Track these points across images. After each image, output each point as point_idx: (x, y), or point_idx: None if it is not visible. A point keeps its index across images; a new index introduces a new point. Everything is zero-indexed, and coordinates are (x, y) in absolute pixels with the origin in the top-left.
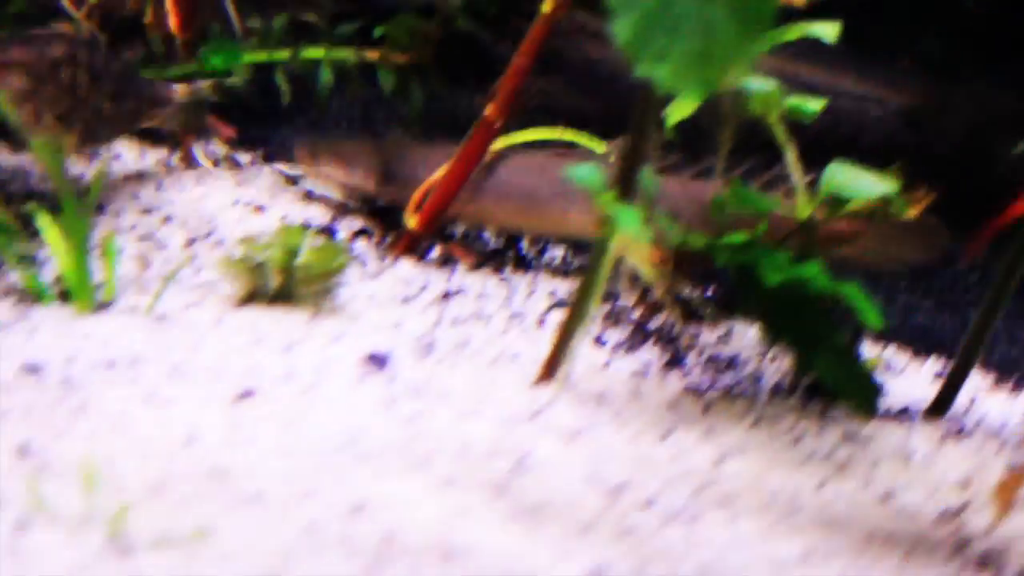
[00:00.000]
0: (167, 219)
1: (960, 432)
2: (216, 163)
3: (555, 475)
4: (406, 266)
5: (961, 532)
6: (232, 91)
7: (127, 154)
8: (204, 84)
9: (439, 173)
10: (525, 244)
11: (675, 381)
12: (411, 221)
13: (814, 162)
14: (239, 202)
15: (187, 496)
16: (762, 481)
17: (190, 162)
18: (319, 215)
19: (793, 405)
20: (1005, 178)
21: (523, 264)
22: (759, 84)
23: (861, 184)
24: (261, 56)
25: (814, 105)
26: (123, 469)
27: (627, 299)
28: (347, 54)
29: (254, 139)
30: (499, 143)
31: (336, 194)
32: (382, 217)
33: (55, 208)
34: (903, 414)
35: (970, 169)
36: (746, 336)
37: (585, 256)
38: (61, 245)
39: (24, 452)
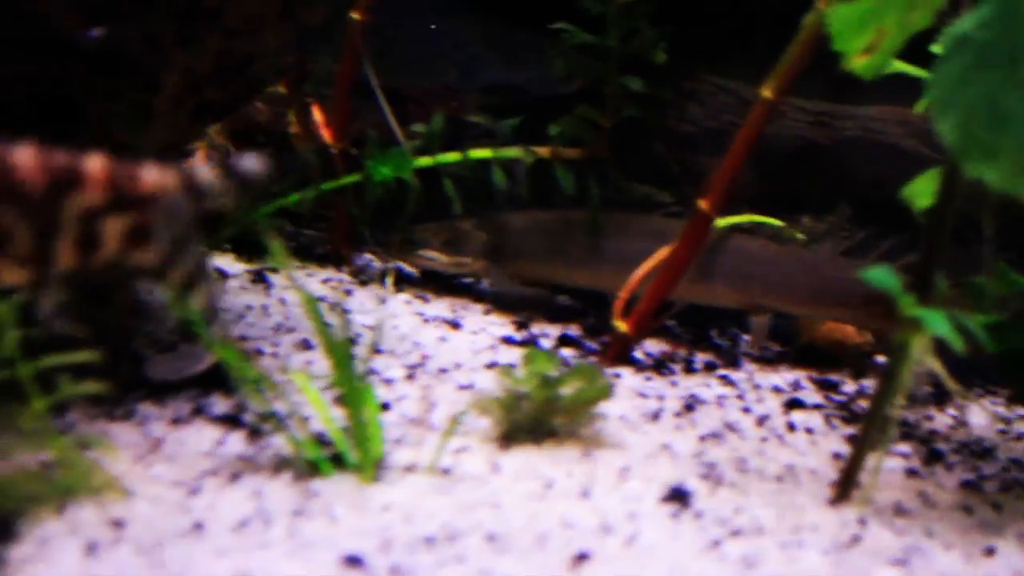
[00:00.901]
0: (375, 349)
1: None
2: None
3: None
4: (628, 376)
5: None
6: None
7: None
8: None
9: (643, 269)
10: (715, 332)
11: (946, 478)
12: (620, 325)
13: None
14: (428, 319)
15: None
16: None
17: (358, 277)
18: (503, 323)
19: None
20: None
21: (719, 352)
22: None
23: None
24: (427, 161)
25: None
26: None
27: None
28: (517, 153)
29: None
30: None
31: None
32: (564, 318)
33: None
34: None
35: None
36: (974, 415)
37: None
38: (321, 403)
39: None
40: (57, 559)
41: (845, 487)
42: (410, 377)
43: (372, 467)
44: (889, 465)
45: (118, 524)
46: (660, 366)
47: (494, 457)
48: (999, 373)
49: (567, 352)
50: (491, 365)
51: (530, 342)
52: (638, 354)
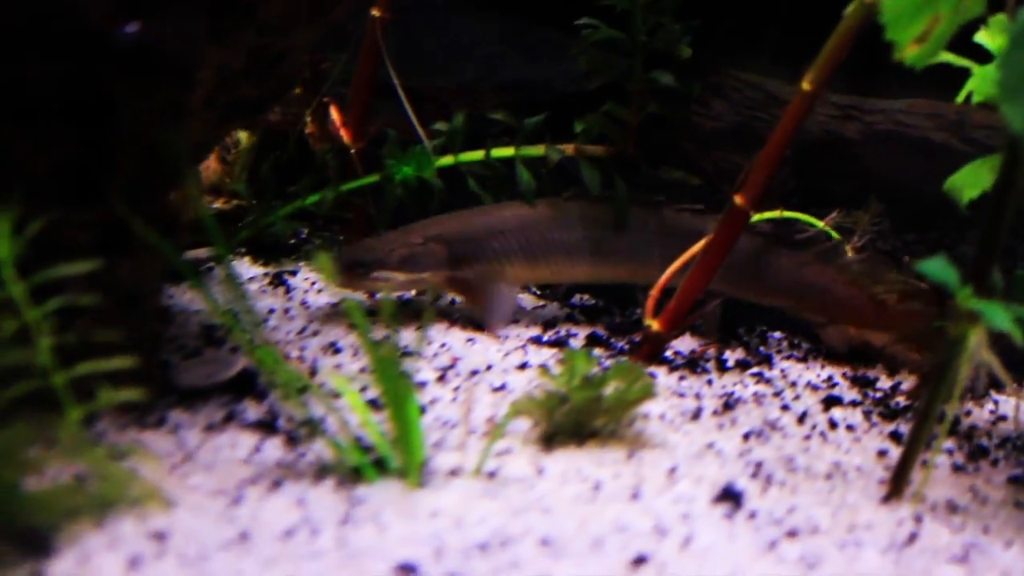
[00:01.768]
0: (403, 349)
1: None
2: None
3: None
4: (662, 375)
5: None
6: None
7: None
8: None
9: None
10: (743, 329)
11: (993, 473)
12: (652, 323)
13: None
14: (454, 320)
15: None
16: None
17: None
18: (530, 322)
19: None
20: None
21: (749, 349)
22: None
23: None
24: (448, 160)
25: None
26: None
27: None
28: (539, 151)
29: None
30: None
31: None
32: (589, 317)
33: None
34: None
35: None
36: (1010, 407)
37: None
38: (363, 407)
39: None
40: (99, 574)
41: (897, 484)
42: (442, 379)
43: (417, 472)
44: (938, 460)
45: (160, 536)
46: (693, 365)
47: (538, 459)
48: None
49: (597, 352)
50: (522, 366)
51: (559, 342)
52: (668, 352)
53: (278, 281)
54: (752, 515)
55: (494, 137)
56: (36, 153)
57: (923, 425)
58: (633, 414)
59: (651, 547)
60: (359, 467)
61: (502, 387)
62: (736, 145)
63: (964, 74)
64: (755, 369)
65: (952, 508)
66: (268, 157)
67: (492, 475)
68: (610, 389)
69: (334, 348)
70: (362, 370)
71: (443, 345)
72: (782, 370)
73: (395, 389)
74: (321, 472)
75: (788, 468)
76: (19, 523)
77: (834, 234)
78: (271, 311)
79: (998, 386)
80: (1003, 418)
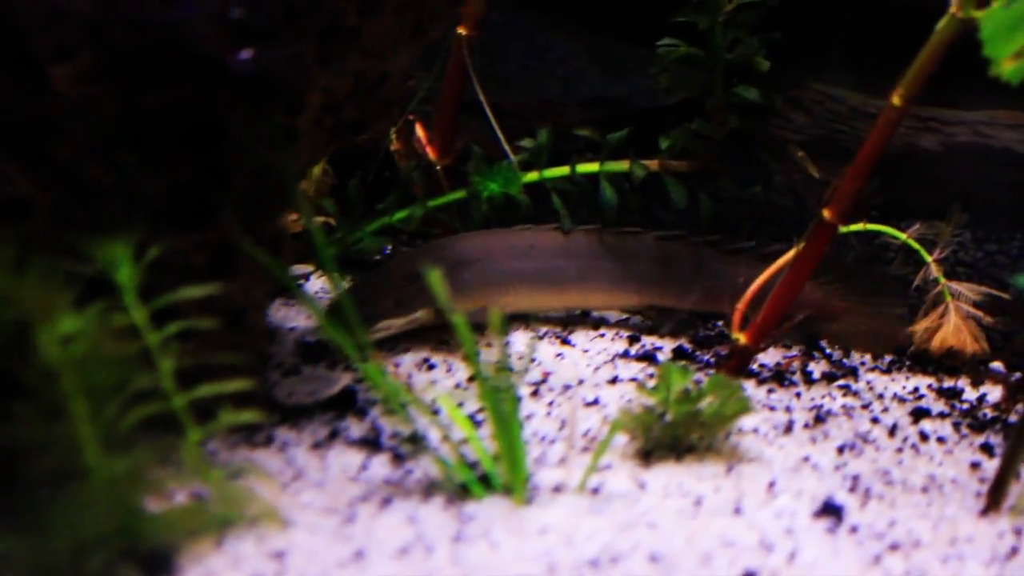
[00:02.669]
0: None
1: None
2: None
3: None
4: (751, 388)
5: None
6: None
7: None
8: None
9: (758, 282)
10: (825, 341)
11: None
12: (740, 337)
13: None
14: (542, 335)
15: None
16: None
17: None
18: (615, 336)
19: None
20: None
21: (837, 364)
22: None
23: None
24: (533, 176)
25: None
26: None
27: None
28: (624, 166)
29: None
30: None
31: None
32: (673, 332)
33: None
34: None
35: None
36: None
37: None
38: (468, 423)
39: None
40: None
41: (995, 497)
42: (535, 394)
43: (523, 488)
44: None
45: (279, 555)
46: (780, 377)
47: (638, 474)
48: None
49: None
50: (613, 380)
51: (647, 356)
52: (753, 366)
53: None
54: (854, 529)
55: (578, 153)
56: (154, 177)
57: (1020, 438)
58: (729, 428)
59: (759, 562)
60: (466, 484)
61: (595, 401)
62: (818, 158)
63: None
64: (841, 381)
65: None
66: (355, 175)
67: (595, 491)
68: (706, 403)
69: (428, 364)
70: (457, 385)
71: (534, 360)
72: (868, 382)
73: (499, 405)
74: (429, 489)
75: (884, 481)
76: (143, 544)
77: (916, 246)
78: None
79: None
80: None
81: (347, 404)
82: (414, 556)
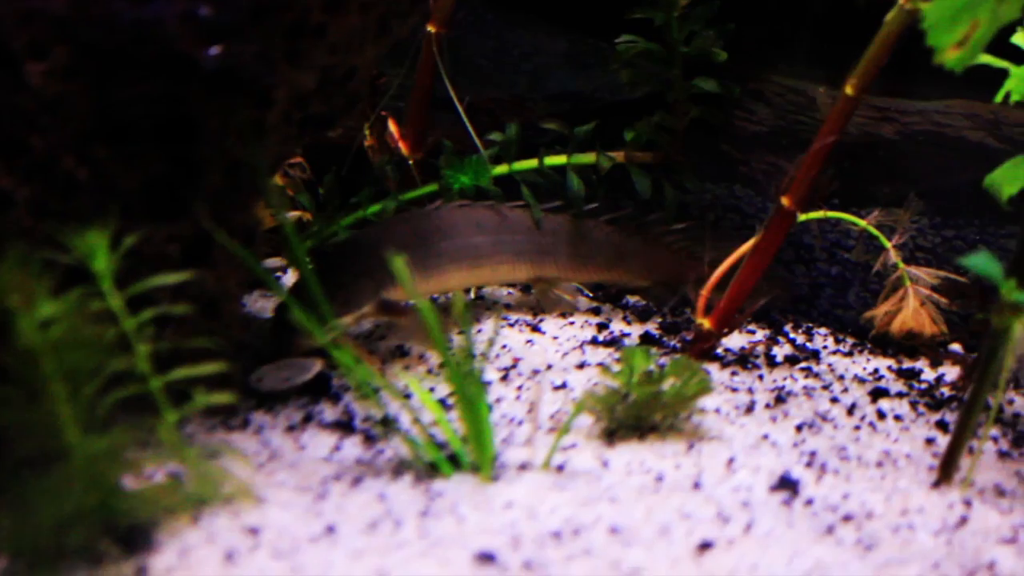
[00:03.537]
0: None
1: None
2: None
3: None
4: (715, 371)
5: None
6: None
7: None
8: None
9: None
10: (789, 327)
11: None
12: (704, 322)
13: None
14: (512, 322)
15: None
16: None
17: None
18: (583, 323)
19: None
20: None
21: (800, 348)
22: None
23: None
24: (503, 169)
25: None
26: None
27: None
28: (591, 158)
29: None
30: None
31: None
32: (641, 317)
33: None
34: None
35: None
36: None
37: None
38: (437, 406)
39: None
40: (199, 568)
41: (946, 470)
42: (505, 379)
43: (489, 466)
44: (982, 448)
45: (254, 531)
46: (744, 361)
47: (602, 453)
48: None
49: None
50: (581, 365)
51: (614, 342)
52: (719, 350)
53: None
54: (809, 502)
55: (546, 146)
56: (127, 170)
57: (970, 413)
58: (691, 408)
59: (715, 533)
60: (435, 463)
61: (563, 385)
62: (778, 148)
63: (997, 73)
64: (803, 364)
65: (1000, 492)
66: (330, 170)
67: (560, 469)
68: (668, 385)
69: (401, 351)
70: (429, 371)
71: (504, 346)
72: (829, 364)
73: (467, 388)
74: (399, 468)
75: (841, 457)
76: (122, 520)
77: (876, 232)
78: None
79: None
80: None
81: (321, 389)
82: (383, 530)
